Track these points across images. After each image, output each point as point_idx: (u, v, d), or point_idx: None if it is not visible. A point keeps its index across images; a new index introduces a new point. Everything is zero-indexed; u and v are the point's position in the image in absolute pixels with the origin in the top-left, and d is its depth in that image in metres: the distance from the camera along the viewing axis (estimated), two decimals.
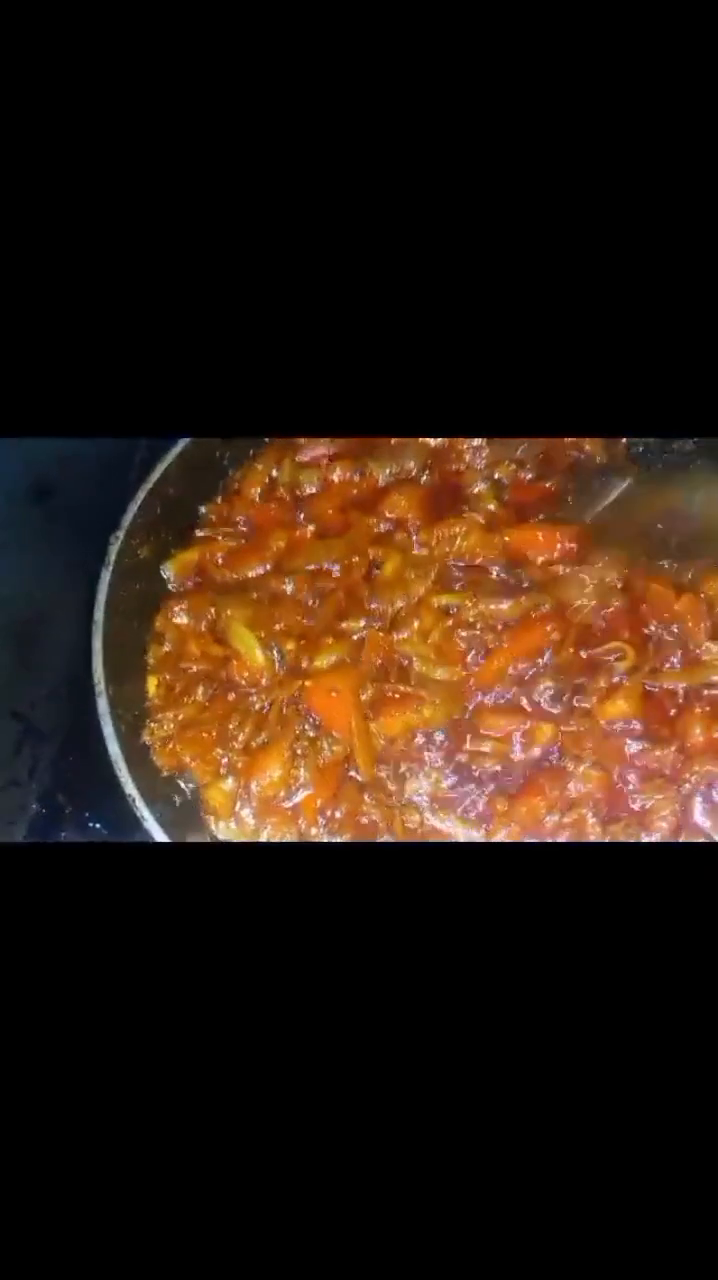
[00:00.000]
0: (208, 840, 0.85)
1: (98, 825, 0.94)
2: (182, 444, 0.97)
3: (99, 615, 0.84)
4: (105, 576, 0.87)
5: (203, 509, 1.01)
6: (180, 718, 0.87)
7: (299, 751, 0.85)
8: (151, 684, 0.90)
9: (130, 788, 0.77)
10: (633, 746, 0.84)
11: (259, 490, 1.01)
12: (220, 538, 0.99)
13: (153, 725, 0.87)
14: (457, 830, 0.82)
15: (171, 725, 0.87)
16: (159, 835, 0.76)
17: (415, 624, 0.90)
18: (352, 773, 0.84)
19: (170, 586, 0.96)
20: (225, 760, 0.86)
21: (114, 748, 0.79)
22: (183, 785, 0.87)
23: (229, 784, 0.86)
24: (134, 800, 0.77)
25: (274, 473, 1.02)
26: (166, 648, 0.93)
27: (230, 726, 0.86)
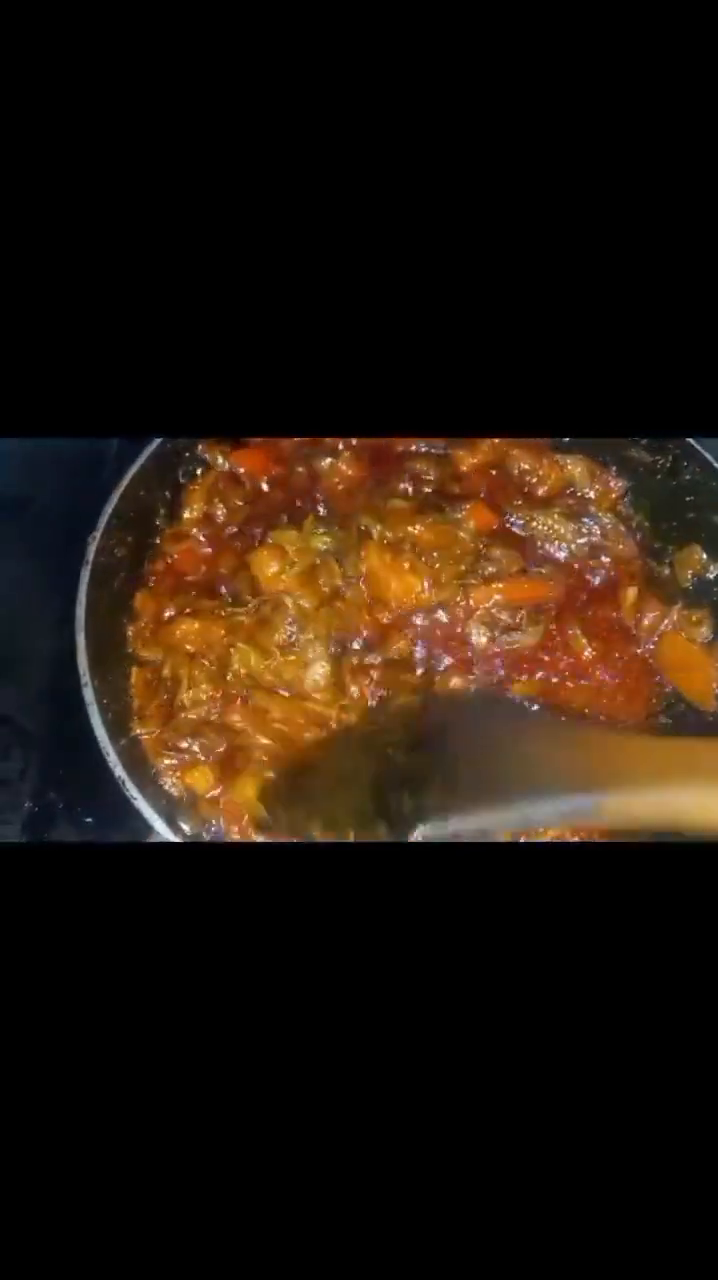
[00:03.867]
0: (201, 825, 0.88)
1: (90, 819, 0.97)
2: (150, 448, 1.01)
3: (80, 611, 0.87)
4: (84, 575, 0.90)
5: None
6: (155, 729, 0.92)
7: None
8: (134, 674, 0.94)
9: (120, 770, 0.80)
10: None
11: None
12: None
13: (137, 724, 0.91)
14: None
15: (154, 727, 0.91)
16: (151, 817, 0.79)
17: None
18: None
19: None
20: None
21: (102, 734, 0.81)
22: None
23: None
24: (124, 782, 0.79)
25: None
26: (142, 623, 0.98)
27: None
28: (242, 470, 1.12)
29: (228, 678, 0.94)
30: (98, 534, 0.93)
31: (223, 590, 1.01)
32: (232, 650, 0.94)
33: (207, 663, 0.94)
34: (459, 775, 0.76)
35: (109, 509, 0.95)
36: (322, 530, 1.01)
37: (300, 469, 1.13)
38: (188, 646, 0.95)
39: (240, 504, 1.09)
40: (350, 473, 1.12)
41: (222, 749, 0.91)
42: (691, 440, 1.06)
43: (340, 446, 1.13)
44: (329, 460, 1.11)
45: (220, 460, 1.11)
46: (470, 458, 1.14)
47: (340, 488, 1.11)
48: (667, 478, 1.09)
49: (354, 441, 1.15)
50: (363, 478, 1.12)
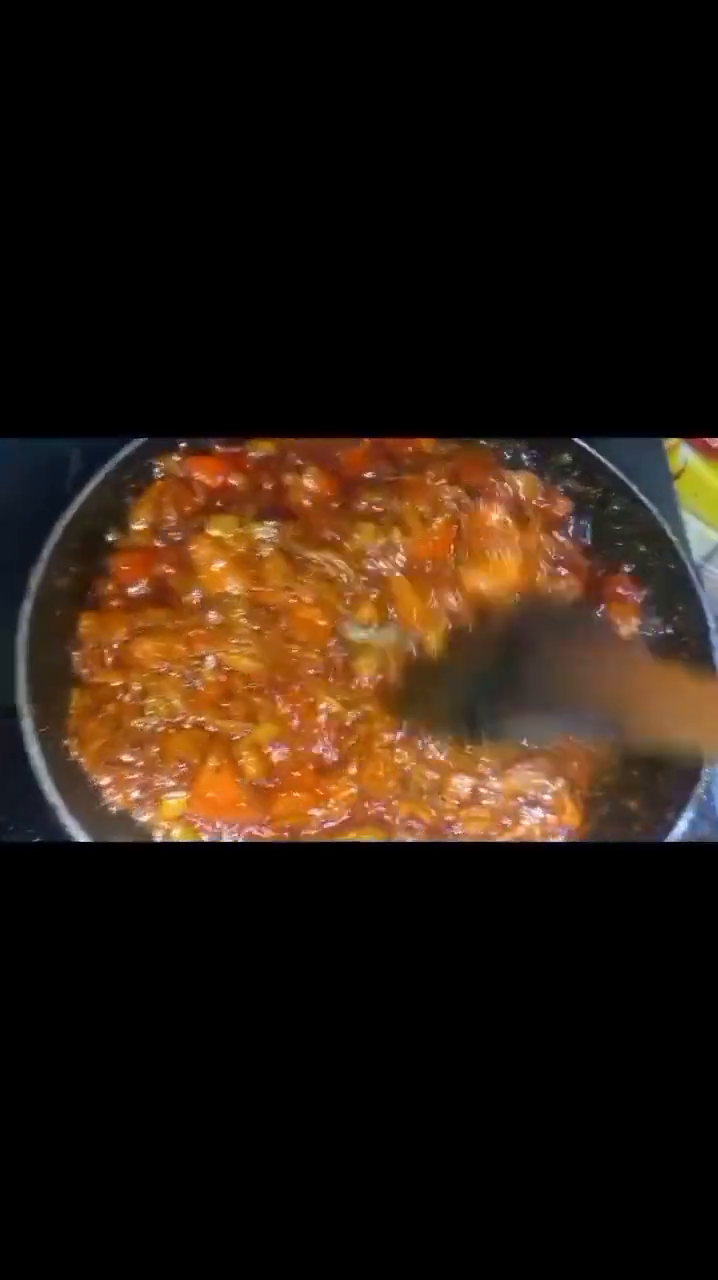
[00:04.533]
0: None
1: (38, 840, 1.00)
2: (97, 479, 1.04)
3: (20, 642, 0.90)
4: (25, 607, 0.93)
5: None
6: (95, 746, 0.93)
7: None
8: (74, 697, 0.96)
9: (54, 798, 0.83)
10: None
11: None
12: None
13: (75, 746, 0.93)
14: None
15: (96, 745, 0.93)
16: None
17: None
18: None
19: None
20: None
21: (38, 763, 0.84)
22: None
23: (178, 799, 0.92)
24: (57, 810, 0.82)
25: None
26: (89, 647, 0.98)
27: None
28: (196, 475, 1.11)
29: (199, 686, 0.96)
30: (40, 565, 0.96)
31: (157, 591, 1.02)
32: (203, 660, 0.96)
33: (175, 675, 0.96)
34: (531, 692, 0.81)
35: (52, 540, 0.98)
36: (270, 523, 1.03)
37: (268, 486, 1.13)
38: (153, 665, 0.96)
39: (189, 510, 1.09)
40: (314, 488, 1.12)
41: (188, 761, 0.92)
42: (618, 473, 1.10)
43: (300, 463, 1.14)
44: (292, 476, 1.11)
45: (176, 461, 1.11)
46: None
47: (307, 504, 1.11)
48: (598, 508, 1.13)
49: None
50: (329, 496, 1.12)
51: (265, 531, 1.03)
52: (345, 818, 0.93)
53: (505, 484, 1.11)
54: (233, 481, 1.11)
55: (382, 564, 1.03)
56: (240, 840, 0.91)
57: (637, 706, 0.75)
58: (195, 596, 1.01)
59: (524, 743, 0.95)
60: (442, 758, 0.95)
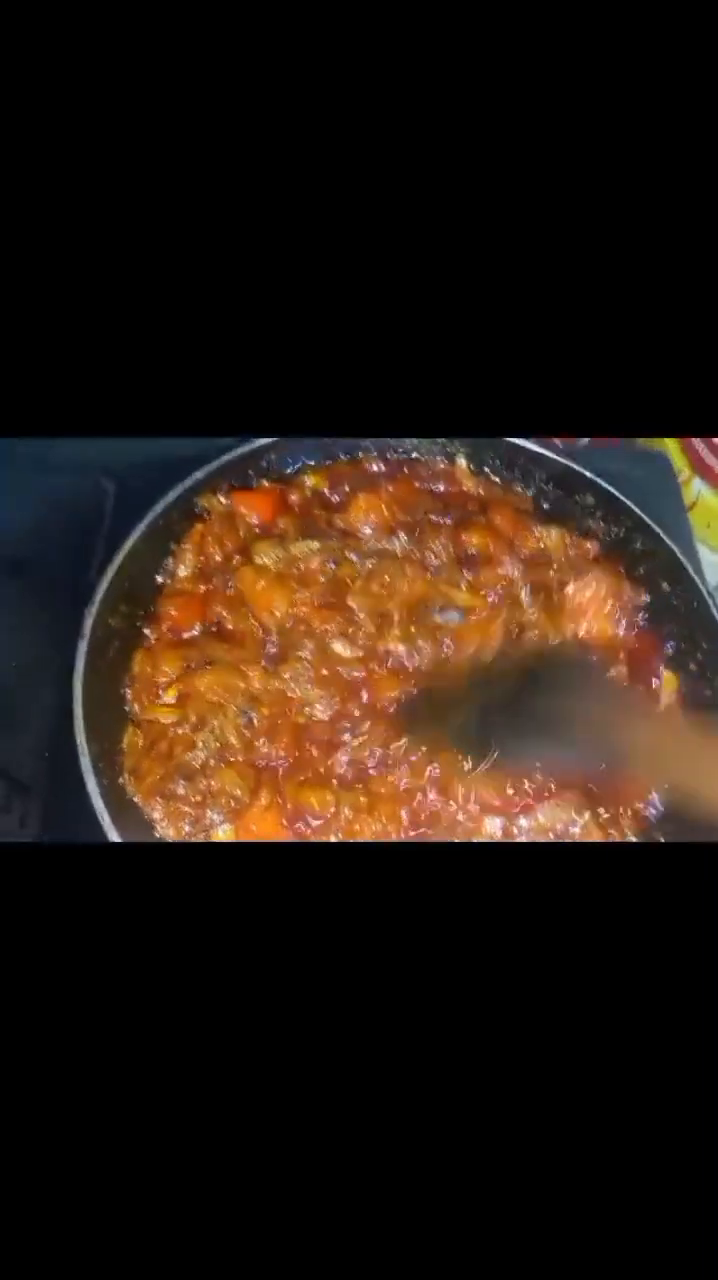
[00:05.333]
0: None
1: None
2: (146, 520, 1.08)
3: (78, 681, 0.94)
4: (81, 647, 0.97)
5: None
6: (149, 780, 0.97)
7: None
8: (128, 734, 1.00)
9: (113, 835, 0.87)
10: None
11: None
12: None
13: (130, 782, 0.97)
14: None
15: (152, 780, 0.97)
16: None
17: None
18: None
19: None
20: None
21: (98, 803, 0.88)
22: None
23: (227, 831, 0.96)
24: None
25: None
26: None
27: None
28: (241, 511, 1.14)
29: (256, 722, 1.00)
30: (94, 608, 1.00)
31: (215, 629, 1.06)
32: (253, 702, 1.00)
33: (233, 709, 0.99)
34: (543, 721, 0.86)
35: (105, 583, 1.02)
36: (314, 541, 1.07)
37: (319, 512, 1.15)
38: (213, 697, 1.00)
39: (232, 548, 1.11)
40: (370, 518, 1.13)
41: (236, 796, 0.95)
42: (642, 513, 1.15)
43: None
44: (342, 517, 1.13)
45: (222, 500, 1.14)
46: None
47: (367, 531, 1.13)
48: (621, 547, 1.17)
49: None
50: (391, 524, 1.14)
51: (310, 548, 1.07)
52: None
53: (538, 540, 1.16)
54: (281, 523, 1.13)
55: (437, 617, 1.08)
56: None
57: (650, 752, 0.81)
58: (259, 632, 1.04)
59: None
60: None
